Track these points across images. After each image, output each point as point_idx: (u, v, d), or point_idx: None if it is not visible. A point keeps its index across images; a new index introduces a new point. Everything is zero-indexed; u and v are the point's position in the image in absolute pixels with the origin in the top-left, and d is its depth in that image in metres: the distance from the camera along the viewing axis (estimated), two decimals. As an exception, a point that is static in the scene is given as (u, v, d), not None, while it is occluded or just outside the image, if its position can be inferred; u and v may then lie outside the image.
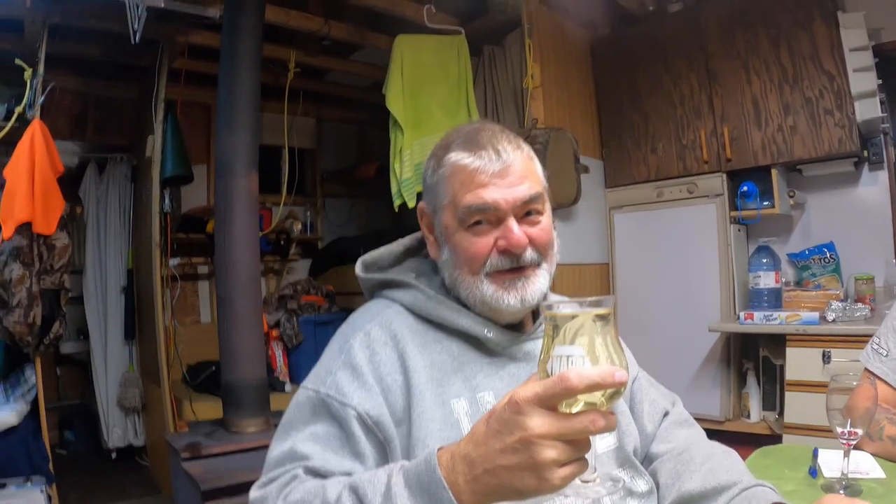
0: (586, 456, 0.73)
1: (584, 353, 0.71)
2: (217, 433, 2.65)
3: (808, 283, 3.55)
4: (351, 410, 0.96)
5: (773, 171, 3.41)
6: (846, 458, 1.24)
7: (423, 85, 3.45)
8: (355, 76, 4.49)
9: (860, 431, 1.22)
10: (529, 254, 1.05)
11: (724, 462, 1.11)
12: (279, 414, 1.04)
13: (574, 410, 0.70)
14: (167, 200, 3.71)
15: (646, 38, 3.84)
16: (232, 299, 2.65)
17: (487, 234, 1.04)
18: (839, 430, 1.22)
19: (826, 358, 2.89)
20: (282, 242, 4.66)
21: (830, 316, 3.04)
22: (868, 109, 3.23)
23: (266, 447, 1.01)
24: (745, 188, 3.43)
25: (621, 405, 1.19)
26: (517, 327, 1.13)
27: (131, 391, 4.12)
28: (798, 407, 2.98)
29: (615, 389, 0.70)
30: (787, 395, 3.04)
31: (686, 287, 3.61)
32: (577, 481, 0.77)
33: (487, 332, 1.06)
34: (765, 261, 3.43)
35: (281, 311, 4.09)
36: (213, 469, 2.37)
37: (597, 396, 0.70)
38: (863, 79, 3.22)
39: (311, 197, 5.24)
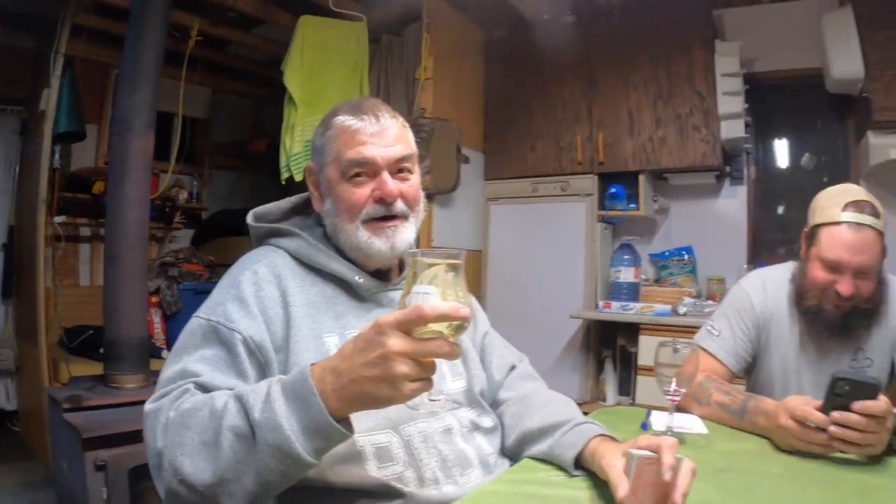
0: (434, 379, 1.01)
1: (437, 292, 0.99)
2: (97, 388, 2.90)
3: (665, 280, 4.40)
4: (238, 335, 1.22)
5: (641, 177, 4.24)
6: (672, 414, 1.60)
7: (321, 66, 3.98)
8: (256, 50, 4.90)
9: (683, 390, 1.56)
10: (399, 205, 1.39)
11: (561, 406, 1.48)
12: (157, 374, 1.28)
13: (426, 337, 0.97)
14: (57, 157, 3.97)
15: (538, 43, 4.59)
16: (120, 257, 2.94)
17: (365, 186, 1.36)
18: (665, 388, 1.56)
19: (675, 347, 3.80)
20: (167, 210, 5.08)
21: (682, 310, 3.86)
22: (732, 129, 4.09)
23: (145, 402, 1.21)
24: (613, 190, 4.24)
25: (472, 354, 1.55)
26: (385, 277, 1.46)
27: (5, 352, 4.32)
28: (648, 390, 3.74)
29: (460, 323, 0.97)
30: (639, 379, 3.84)
31: (553, 278, 4.37)
32: (425, 398, 1.08)
33: (358, 278, 1.38)
34: (626, 257, 4.26)
35: (161, 278, 4.40)
36: (94, 419, 2.62)
37: (444, 327, 0.97)
38: (730, 102, 4.08)
39: (198, 167, 5.61)
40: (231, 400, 1.07)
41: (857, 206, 1.84)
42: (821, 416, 1.45)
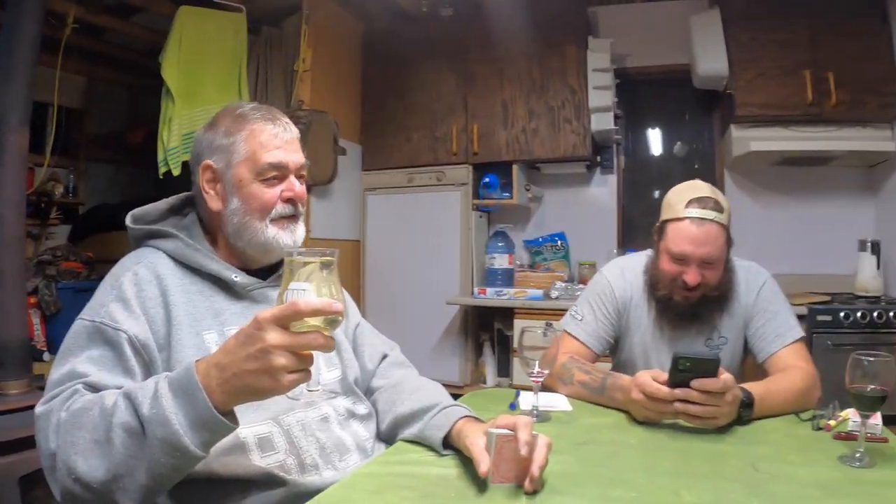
0: (312, 370, 1.11)
1: (312, 289, 1.09)
2: (-22, 396, 2.84)
3: (539, 266, 4.78)
4: (123, 334, 1.31)
5: (514, 167, 4.60)
6: (536, 394, 1.78)
7: (199, 58, 4.07)
8: (134, 38, 4.92)
9: (546, 372, 1.73)
10: (299, 206, 1.56)
11: (431, 391, 1.62)
12: (41, 378, 1.39)
13: (302, 330, 1.07)
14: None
15: (416, 36, 4.91)
16: (-4, 258, 2.93)
17: (275, 187, 1.51)
18: (529, 371, 1.74)
19: (547, 329, 4.18)
20: (42, 205, 5.04)
21: (554, 294, 4.23)
22: (602, 122, 4.51)
23: (31, 408, 1.25)
24: (487, 180, 4.59)
25: (345, 344, 1.69)
26: (260, 275, 1.57)
27: None
28: (524, 371, 4.21)
29: (333, 317, 1.09)
30: (515, 361, 4.20)
31: (430, 265, 4.69)
32: (304, 389, 1.21)
33: (234, 276, 1.50)
34: (500, 244, 4.59)
35: (39, 278, 4.38)
36: (-24, 428, 2.60)
37: (319, 321, 1.07)
38: (601, 96, 4.50)
39: (74, 159, 5.55)
40: (120, 398, 1.15)
41: (700, 202, 2.04)
42: (665, 390, 1.64)
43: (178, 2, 4.07)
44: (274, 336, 1.05)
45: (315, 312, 1.06)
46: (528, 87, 4.68)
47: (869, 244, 4.15)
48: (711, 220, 2.03)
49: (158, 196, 1.62)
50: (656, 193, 4.98)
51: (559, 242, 4.85)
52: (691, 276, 2.05)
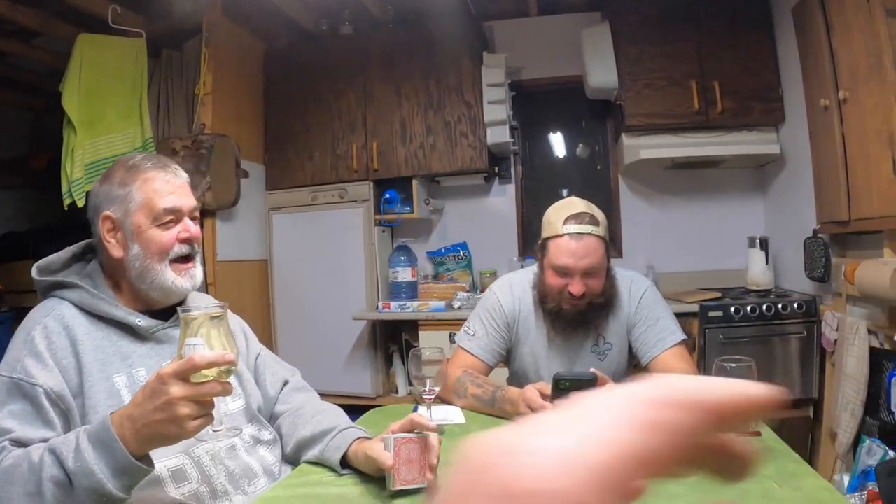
0: (214, 413, 1.26)
1: (204, 343, 1.24)
2: None
3: (443, 276, 5.00)
4: (39, 388, 1.39)
5: (414, 182, 4.79)
6: (429, 409, 1.91)
7: (99, 86, 4.09)
8: (37, 62, 4.87)
9: (437, 389, 1.88)
10: (195, 245, 1.66)
11: (330, 414, 1.75)
12: None
13: (201, 381, 1.22)
14: None
15: (316, 55, 5.04)
16: None
17: (171, 230, 1.61)
18: (421, 390, 1.87)
19: (452, 338, 4.14)
20: None
21: (456, 304, 4.45)
22: (498, 135, 4.74)
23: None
24: (388, 195, 4.77)
25: (247, 374, 1.80)
26: (164, 317, 1.65)
27: None
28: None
29: (227, 367, 1.24)
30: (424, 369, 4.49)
31: (337, 281, 4.84)
32: (209, 430, 1.31)
33: (138, 321, 1.58)
34: (403, 258, 4.80)
35: None
36: None
37: (215, 371, 1.22)
38: (495, 110, 4.72)
39: None
40: (46, 453, 1.27)
41: (576, 217, 2.21)
42: (549, 406, 1.77)
43: (79, 26, 4.11)
44: (176, 389, 1.20)
45: (209, 365, 1.22)
46: (425, 103, 4.87)
47: (758, 240, 4.50)
48: (589, 234, 2.19)
49: (66, 222, 1.73)
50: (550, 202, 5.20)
51: (461, 252, 5.07)
52: (576, 288, 2.20)
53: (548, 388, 1.85)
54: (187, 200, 1.68)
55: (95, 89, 4.13)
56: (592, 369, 1.91)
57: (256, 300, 4.96)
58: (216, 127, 4.53)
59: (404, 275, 4.82)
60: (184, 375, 1.21)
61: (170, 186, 1.64)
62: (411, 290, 4.82)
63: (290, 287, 5.05)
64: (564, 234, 2.21)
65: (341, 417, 1.76)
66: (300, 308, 4.99)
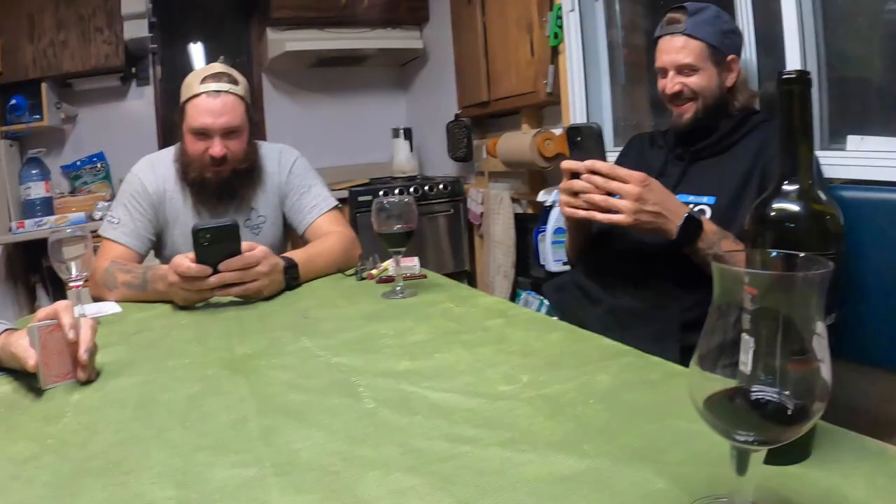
0: None
1: None
2: None
3: (81, 190, 4.78)
4: None
5: (44, 85, 4.44)
6: (79, 300, 1.73)
7: None
8: None
9: (85, 274, 1.74)
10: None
11: None
12: None
13: None
14: None
15: None
16: None
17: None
18: (65, 278, 1.73)
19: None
20: None
21: (97, 214, 4.32)
22: (136, 29, 4.52)
23: None
24: (14, 101, 4.38)
25: None
26: None
27: None
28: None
29: None
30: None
31: None
32: None
33: None
34: (34, 172, 4.49)
35: None
36: None
37: None
38: (134, 1, 4.48)
39: None
40: None
41: (214, 77, 2.24)
42: (196, 267, 1.79)
43: None
44: None
45: None
46: (56, -6, 4.41)
47: (402, 131, 5.04)
48: (227, 92, 2.25)
49: None
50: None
51: (98, 164, 4.89)
52: (216, 149, 2.23)
53: (192, 255, 1.83)
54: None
55: None
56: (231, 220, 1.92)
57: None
58: None
59: (38, 190, 4.53)
60: None
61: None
62: (47, 207, 4.55)
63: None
64: (202, 93, 2.24)
65: None
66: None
